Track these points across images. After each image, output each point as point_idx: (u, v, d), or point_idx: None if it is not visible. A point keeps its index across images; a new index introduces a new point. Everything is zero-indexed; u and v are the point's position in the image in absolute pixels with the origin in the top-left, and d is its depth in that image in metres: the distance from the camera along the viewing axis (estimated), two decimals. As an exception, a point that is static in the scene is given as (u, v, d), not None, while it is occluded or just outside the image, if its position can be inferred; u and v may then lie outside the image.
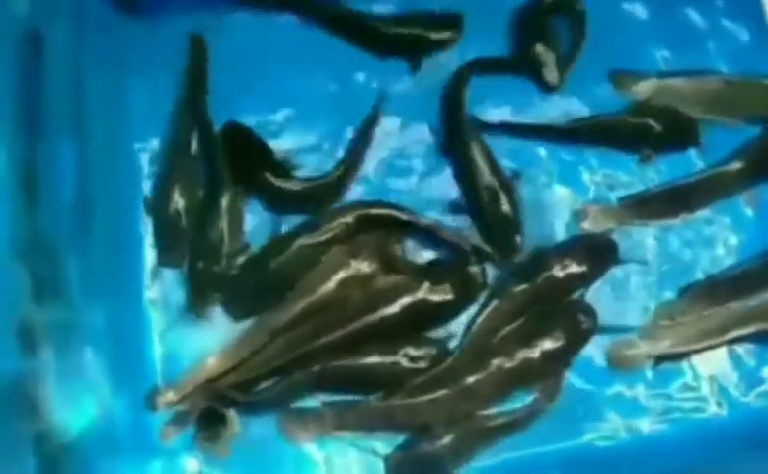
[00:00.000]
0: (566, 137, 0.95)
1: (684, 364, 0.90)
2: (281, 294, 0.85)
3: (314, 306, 0.84)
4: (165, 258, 0.87)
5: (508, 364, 0.84)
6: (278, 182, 0.89)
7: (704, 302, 0.91)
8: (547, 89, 0.95)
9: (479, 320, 0.87)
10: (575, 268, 0.88)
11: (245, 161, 0.89)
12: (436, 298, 0.86)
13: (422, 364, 0.85)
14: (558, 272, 0.88)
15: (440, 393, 0.83)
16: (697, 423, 0.88)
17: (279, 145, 0.91)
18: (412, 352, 0.85)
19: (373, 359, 0.85)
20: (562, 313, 0.88)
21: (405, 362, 0.85)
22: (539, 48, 0.96)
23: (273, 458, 0.83)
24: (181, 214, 0.87)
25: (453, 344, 0.87)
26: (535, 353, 0.85)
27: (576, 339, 0.87)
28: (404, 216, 0.88)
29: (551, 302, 0.88)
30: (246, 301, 0.87)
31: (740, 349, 0.90)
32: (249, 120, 0.90)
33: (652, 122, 0.95)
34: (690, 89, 0.98)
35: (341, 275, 0.85)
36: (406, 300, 0.85)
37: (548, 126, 0.94)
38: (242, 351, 0.82)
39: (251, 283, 0.87)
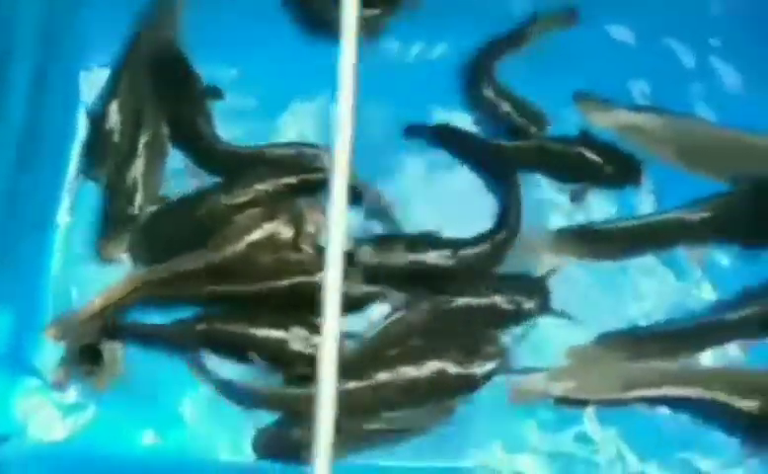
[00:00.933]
0: (492, 158, 0.90)
1: (585, 413, 0.84)
2: (191, 248, 0.85)
3: (220, 263, 0.84)
4: (87, 169, 0.87)
5: (392, 379, 0.81)
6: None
7: (621, 353, 0.85)
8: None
9: (380, 326, 0.83)
10: (497, 301, 0.84)
11: (169, 89, 0.89)
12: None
13: (313, 352, 0.83)
14: (477, 300, 0.84)
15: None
16: (586, 477, 0.83)
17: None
18: (304, 335, 0.83)
19: (262, 331, 0.83)
20: (466, 341, 0.83)
21: (295, 344, 0.83)
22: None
23: (146, 403, 0.83)
24: (114, 133, 0.88)
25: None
26: (424, 373, 0.82)
27: (473, 377, 0.83)
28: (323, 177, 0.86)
29: (459, 327, 0.84)
30: (154, 250, 0.86)
31: (647, 411, 0.83)
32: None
33: (588, 154, 0.89)
34: (663, 129, 0.91)
35: (252, 236, 0.84)
36: (301, 279, 0.83)
37: (481, 141, 0.90)
38: (134, 282, 0.83)
39: (161, 233, 0.87)
